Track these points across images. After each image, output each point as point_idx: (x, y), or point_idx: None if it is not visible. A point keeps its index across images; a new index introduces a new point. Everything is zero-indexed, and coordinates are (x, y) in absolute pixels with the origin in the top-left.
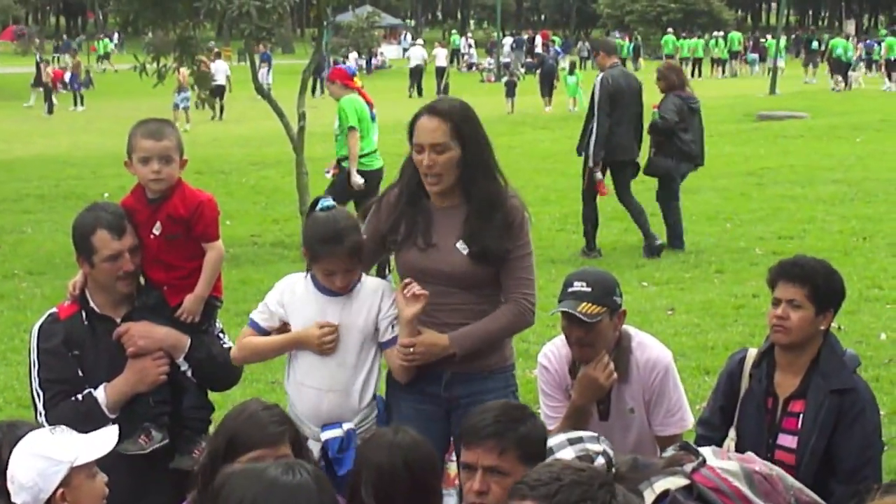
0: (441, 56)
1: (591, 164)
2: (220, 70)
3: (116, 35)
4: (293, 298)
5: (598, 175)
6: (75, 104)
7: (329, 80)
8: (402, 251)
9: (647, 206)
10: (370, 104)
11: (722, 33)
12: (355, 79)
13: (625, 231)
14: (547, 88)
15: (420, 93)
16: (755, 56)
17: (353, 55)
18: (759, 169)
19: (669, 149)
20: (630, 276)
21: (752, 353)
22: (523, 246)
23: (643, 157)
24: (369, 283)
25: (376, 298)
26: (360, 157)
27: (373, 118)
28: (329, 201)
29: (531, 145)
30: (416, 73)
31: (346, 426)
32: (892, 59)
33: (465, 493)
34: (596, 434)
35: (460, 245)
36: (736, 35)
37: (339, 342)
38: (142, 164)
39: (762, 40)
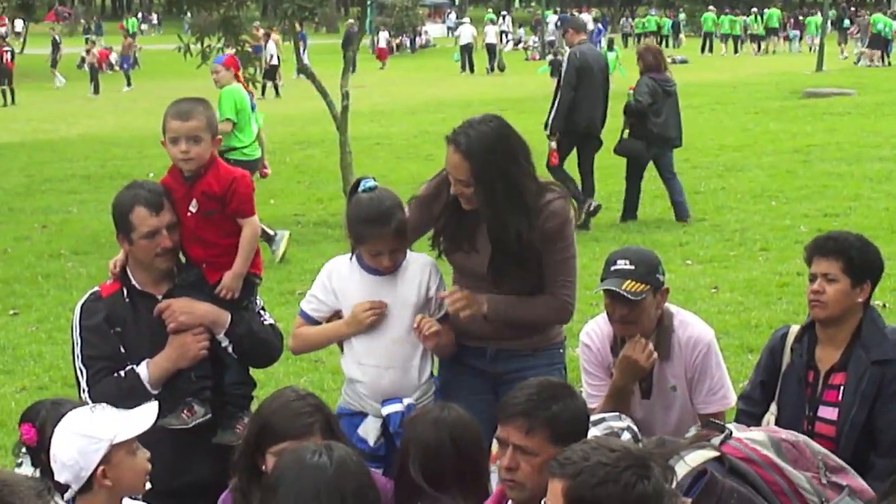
0: (491, 33)
1: (548, 132)
2: (271, 51)
3: (155, 16)
4: (342, 283)
5: (553, 144)
6: (129, 84)
7: (224, 66)
8: (450, 253)
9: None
10: (251, 94)
11: (755, 10)
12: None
13: (668, 209)
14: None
15: (472, 69)
16: (796, 33)
17: (384, 34)
18: (806, 146)
19: (641, 131)
20: (674, 253)
21: (795, 329)
22: (564, 249)
23: (614, 137)
24: (416, 259)
25: (425, 275)
26: (241, 147)
27: (252, 108)
28: (371, 182)
29: None
30: (466, 51)
31: (407, 401)
32: None
33: (497, 468)
34: (617, 413)
35: (496, 281)
36: (775, 12)
37: (394, 319)
38: (171, 144)
39: (801, 17)
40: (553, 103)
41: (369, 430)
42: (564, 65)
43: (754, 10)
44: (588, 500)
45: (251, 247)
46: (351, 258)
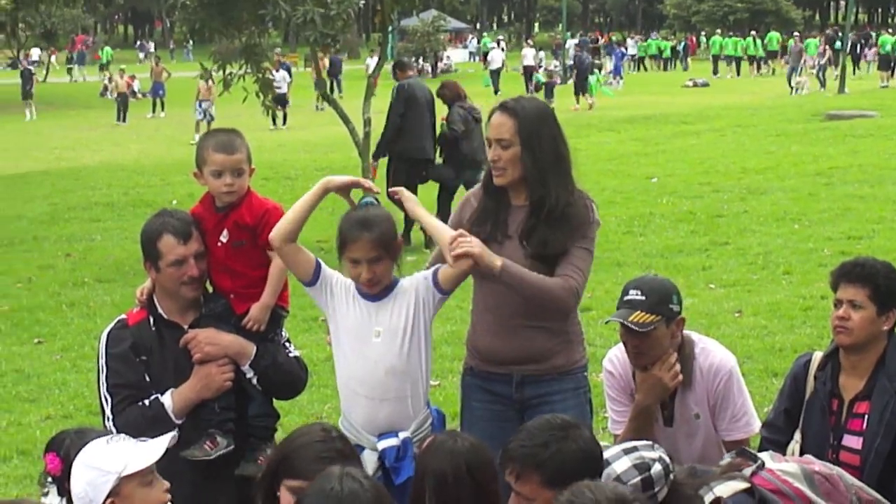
0: (529, 56)
1: (372, 154)
2: (281, 79)
3: (172, 43)
4: (339, 296)
5: (374, 162)
6: (153, 111)
7: None
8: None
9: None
10: None
11: (754, 33)
12: None
13: (692, 233)
14: (582, 86)
15: (496, 92)
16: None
17: (370, 61)
18: (828, 169)
19: (454, 157)
20: (697, 277)
21: (818, 355)
22: (585, 241)
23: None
24: (405, 283)
25: (412, 292)
26: None
27: None
28: (369, 199)
29: (597, 147)
30: (496, 75)
31: (403, 435)
32: None
33: None
34: (650, 442)
35: (523, 243)
36: (774, 35)
37: (385, 348)
38: (214, 177)
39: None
40: (384, 130)
41: (367, 464)
42: (394, 95)
43: (753, 32)
44: None
45: (280, 279)
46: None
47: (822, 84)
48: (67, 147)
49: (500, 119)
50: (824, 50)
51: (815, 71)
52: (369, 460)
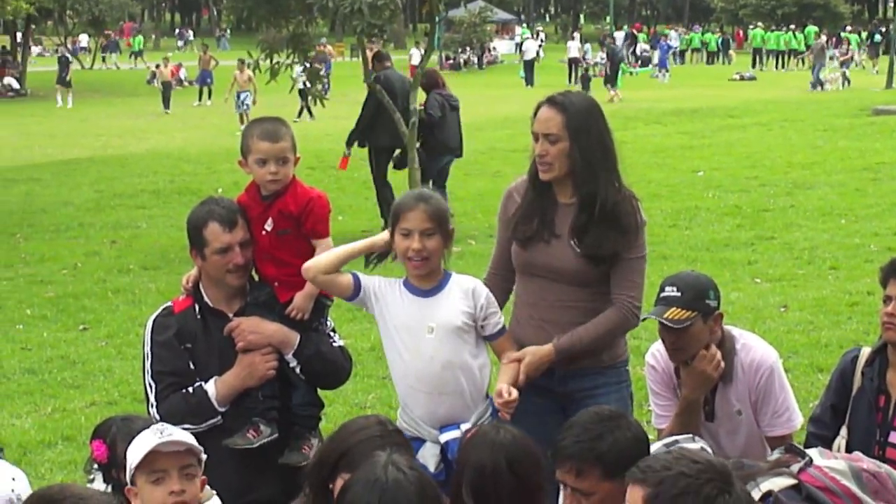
0: (573, 48)
1: (346, 141)
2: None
3: (218, 31)
4: (387, 296)
5: (347, 151)
6: (200, 99)
7: None
8: (529, 244)
9: None
10: None
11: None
12: None
13: (738, 227)
14: (612, 78)
15: (532, 83)
16: (835, 52)
17: (415, 51)
18: (875, 164)
19: (431, 143)
20: (742, 272)
21: (866, 351)
22: (636, 249)
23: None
24: (460, 281)
25: (469, 296)
26: None
27: None
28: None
29: (643, 140)
30: (530, 66)
31: (464, 426)
32: None
33: None
34: (691, 434)
35: (573, 243)
36: (812, 29)
37: (440, 344)
38: (259, 166)
39: (843, 34)
40: (357, 120)
41: (428, 457)
42: (372, 87)
43: (792, 26)
44: None
45: None
46: (401, 281)
47: (846, 81)
48: (114, 134)
49: (548, 113)
50: (847, 49)
51: (844, 68)
52: (431, 453)
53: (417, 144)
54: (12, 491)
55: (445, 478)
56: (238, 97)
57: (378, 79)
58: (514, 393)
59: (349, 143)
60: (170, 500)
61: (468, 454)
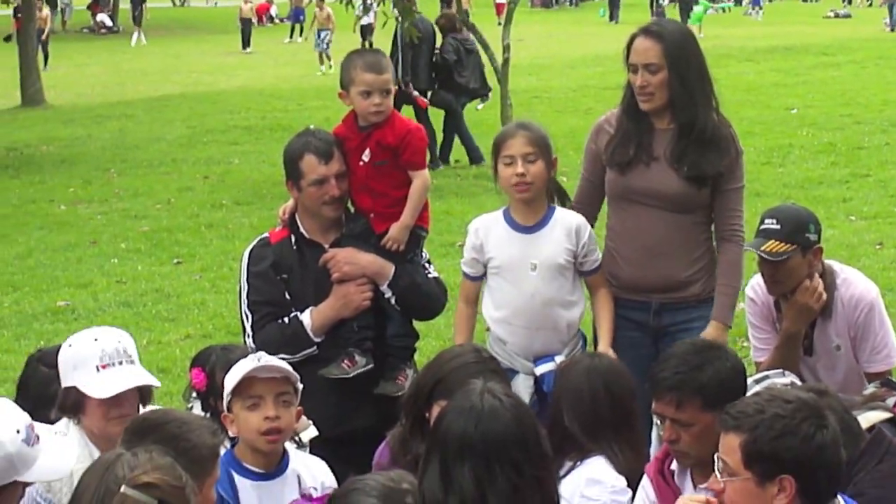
0: None
1: (403, 86)
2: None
3: None
4: (488, 239)
5: (414, 91)
6: (291, 36)
7: None
8: (628, 169)
9: None
10: None
11: None
12: None
13: (832, 165)
14: (685, 17)
15: (616, 19)
16: None
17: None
18: None
19: (450, 84)
20: (837, 209)
21: None
22: (737, 178)
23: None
24: (564, 217)
25: (572, 234)
26: None
27: None
28: None
29: (736, 77)
30: (614, 2)
31: (559, 359)
32: None
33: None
34: (781, 370)
35: (674, 166)
36: None
37: (541, 280)
38: (362, 98)
39: None
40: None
41: (521, 388)
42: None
43: None
44: (767, 454)
45: (420, 199)
46: (500, 214)
47: None
48: (204, 71)
49: (645, 44)
50: None
51: None
52: (524, 385)
53: (437, 86)
54: None
55: (539, 410)
56: (318, 35)
57: (417, 25)
58: None
59: (406, 84)
60: (265, 426)
61: (566, 380)
